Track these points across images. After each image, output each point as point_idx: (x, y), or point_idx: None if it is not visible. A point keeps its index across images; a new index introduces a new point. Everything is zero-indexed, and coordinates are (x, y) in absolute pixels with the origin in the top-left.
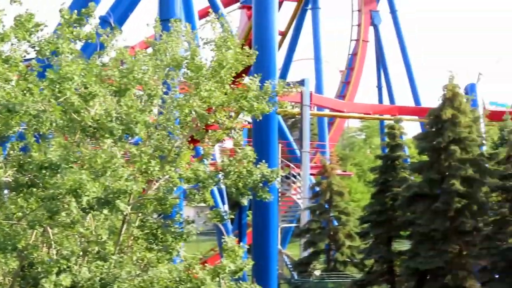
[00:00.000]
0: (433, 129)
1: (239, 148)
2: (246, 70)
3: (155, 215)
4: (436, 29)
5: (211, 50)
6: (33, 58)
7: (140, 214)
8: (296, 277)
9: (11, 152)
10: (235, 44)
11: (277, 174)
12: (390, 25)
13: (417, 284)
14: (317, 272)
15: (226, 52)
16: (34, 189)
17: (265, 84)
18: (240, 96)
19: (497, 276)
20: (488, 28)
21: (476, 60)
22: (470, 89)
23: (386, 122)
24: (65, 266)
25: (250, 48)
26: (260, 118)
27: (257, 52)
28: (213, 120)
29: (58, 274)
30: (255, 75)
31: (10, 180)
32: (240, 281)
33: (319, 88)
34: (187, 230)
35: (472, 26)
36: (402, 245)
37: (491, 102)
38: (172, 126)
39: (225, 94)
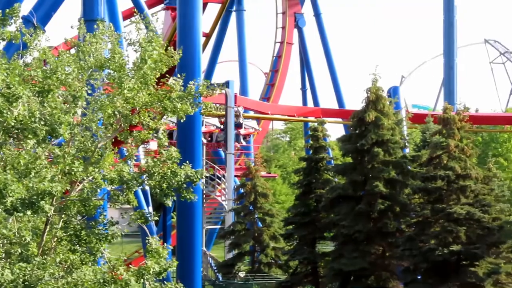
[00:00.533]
0: (357, 131)
1: (164, 149)
2: (171, 71)
3: (78, 217)
4: (360, 33)
5: (135, 50)
6: None
7: (63, 216)
8: (220, 278)
9: None
10: (160, 44)
11: (201, 175)
12: (315, 27)
13: (341, 285)
14: (242, 274)
15: (151, 52)
16: None
17: (188, 85)
18: (164, 96)
19: (419, 277)
20: (412, 32)
21: (399, 63)
22: (393, 92)
23: (310, 124)
24: None
25: (175, 49)
26: (184, 119)
27: (181, 53)
28: (137, 121)
29: None
30: (179, 75)
31: None
32: (165, 282)
33: (243, 90)
34: (111, 232)
35: (396, 29)
36: (326, 247)
37: (413, 105)
38: (95, 127)
39: (149, 94)
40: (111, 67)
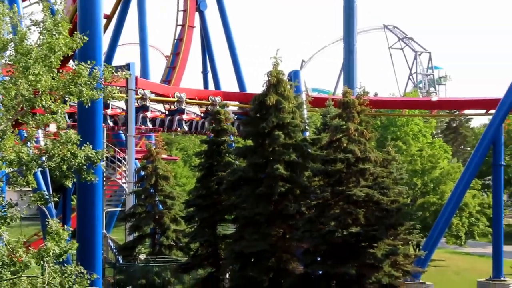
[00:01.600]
0: (258, 115)
1: (63, 131)
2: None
3: None
4: (262, 17)
5: (40, 32)
6: None
7: None
8: (121, 261)
9: None
10: (67, 28)
11: (102, 156)
12: (216, 11)
13: (241, 267)
14: (142, 256)
15: (58, 36)
16: None
17: (94, 70)
18: (70, 81)
19: (319, 259)
20: (312, 16)
21: (300, 47)
22: (294, 75)
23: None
24: None
25: (75, 31)
26: (89, 104)
27: (87, 38)
28: (39, 105)
29: None
30: (88, 61)
31: None
32: (65, 264)
33: (144, 73)
34: (10, 214)
35: (297, 14)
36: (227, 229)
37: (314, 88)
38: None
39: (53, 78)
40: (17, 50)
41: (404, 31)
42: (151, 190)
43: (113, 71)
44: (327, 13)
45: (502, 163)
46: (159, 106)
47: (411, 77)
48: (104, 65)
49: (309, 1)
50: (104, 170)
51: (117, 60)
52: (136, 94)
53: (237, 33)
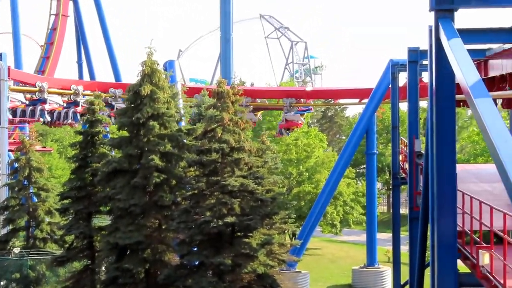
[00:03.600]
0: (133, 105)
1: None
2: None
3: None
4: (139, 5)
5: None
6: None
7: None
8: None
9: None
10: None
11: None
12: (91, 2)
13: (117, 259)
14: (16, 250)
15: None
16: None
17: None
18: None
19: (195, 249)
20: (190, 6)
21: (177, 37)
22: (169, 65)
23: (88, 98)
24: None
25: None
26: None
27: None
28: None
29: None
30: None
31: None
32: None
33: (17, 63)
34: None
35: (174, 3)
36: (103, 221)
37: (191, 78)
38: None
39: None
40: None
41: (280, 21)
42: (25, 183)
43: None
44: (204, 2)
45: (375, 151)
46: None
47: (287, 66)
48: None
49: None
50: None
51: None
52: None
53: (112, 23)
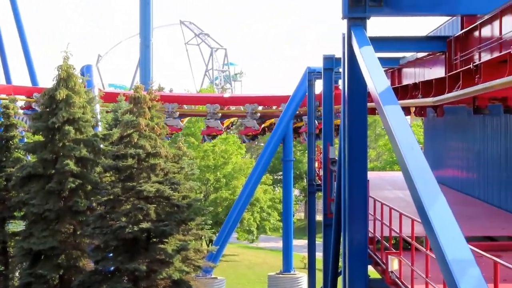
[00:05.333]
0: (48, 109)
1: None
2: None
3: None
4: (58, 8)
5: None
6: None
7: None
8: None
9: None
10: None
11: None
12: (8, 4)
13: (31, 265)
14: None
15: None
16: None
17: None
18: None
19: (110, 255)
20: (110, 10)
21: (97, 42)
22: (86, 70)
23: (2, 102)
24: None
25: None
26: None
27: None
28: None
29: None
30: None
31: None
32: None
33: None
34: None
35: (95, 6)
36: (17, 226)
37: (110, 84)
38: None
39: None
40: None
41: (200, 27)
42: None
43: None
44: (124, 7)
45: (292, 158)
46: None
47: (207, 73)
48: None
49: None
50: None
51: None
52: None
53: (29, 26)
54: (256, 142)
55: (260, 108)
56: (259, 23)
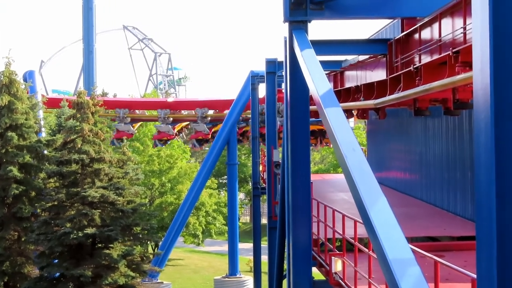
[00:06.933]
0: None
1: None
2: None
3: None
4: None
5: None
6: None
7: None
8: None
9: None
10: None
11: None
12: None
13: None
14: None
15: None
16: None
17: None
18: None
19: (55, 261)
20: (53, 16)
21: (40, 48)
22: (29, 76)
23: None
24: None
25: None
26: None
27: None
28: None
29: None
30: None
31: None
32: None
33: None
34: None
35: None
36: None
37: (53, 89)
38: None
39: None
40: None
41: (144, 32)
42: None
43: None
44: (67, 13)
45: (236, 162)
46: None
47: (151, 78)
48: None
49: (49, 0)
50: None
51: None
52: None
53: None
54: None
55: (210, 112)
56: (203, 28)
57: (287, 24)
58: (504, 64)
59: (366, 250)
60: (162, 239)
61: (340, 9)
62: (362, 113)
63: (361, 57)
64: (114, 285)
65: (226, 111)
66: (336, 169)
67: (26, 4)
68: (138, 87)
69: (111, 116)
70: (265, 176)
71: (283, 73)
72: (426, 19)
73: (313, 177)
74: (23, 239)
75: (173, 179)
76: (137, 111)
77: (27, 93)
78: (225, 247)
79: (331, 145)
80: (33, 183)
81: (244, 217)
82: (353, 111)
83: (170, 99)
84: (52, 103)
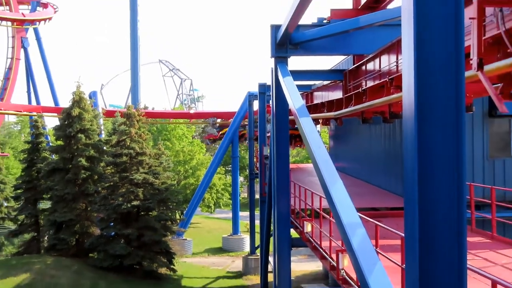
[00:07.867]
0: (66, 122)
1: None
2: None
3: None
4: (71, 49)
5: None
6: None
7: None
8: None
9: None
10: None
11: None
12: (36, 47)
13: (56, 231)
14: None
15: None
16: None
17: None
18: None
19: (111, 224)
20: (109, 51)
21: (100, 74)
22: (93, 94)
23: (34, 117)
24: None
25: None
26: None
27: None
28: None
29: None
30: None
31: None
32: None
33: None
34: None
35: (98, 48)
36: (46, 204)
37: (110, 104)
38: None
39: None
40: None
41: (173, 63)
42: None
43: None
44: (120, 48)
45: (238, 155)
46: None
47: (178, 96)
48: None
49: (104, 40)
50: None
51: None
52: None
53: (52, 62)
54: (214, 144)
55: (219, 120)
56: (216, 61)
57: (273, 59)
58: (425, 88)
59: (328, 217)
60: (186, 209)
61: (310, 48)
62: (326, 121)
63: (325, 82)
64: (152, 241)
65: (231, 120)
66: (308, 161)
67: (91, 42)
68: (169, 102)
69: (150, 123)
70: (258, 165)
71: (271, 93)
72: (370, 56)
73: (291, 166)
74: (89, 209)
75: (194, 167)
76: (218, 119)
77: (92, 106)
78: (230, 215)
79: (303, 145)
80: (95, 169)
81: (243, 194)
82: (319, 120)
83: (192, 111)
84: (109, 114)
